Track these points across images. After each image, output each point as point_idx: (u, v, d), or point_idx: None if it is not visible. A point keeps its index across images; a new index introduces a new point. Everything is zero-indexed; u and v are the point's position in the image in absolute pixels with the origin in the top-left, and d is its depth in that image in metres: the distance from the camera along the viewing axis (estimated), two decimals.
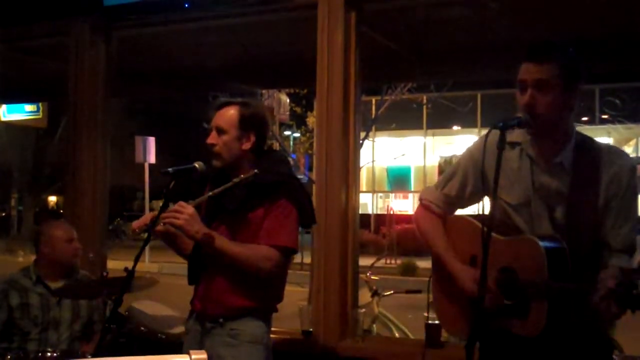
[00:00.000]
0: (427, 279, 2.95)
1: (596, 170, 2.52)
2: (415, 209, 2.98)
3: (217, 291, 3.16)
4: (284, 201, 3.13)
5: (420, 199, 2.92)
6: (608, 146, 2.65)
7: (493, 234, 2.55)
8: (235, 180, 3.02)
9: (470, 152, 2.81)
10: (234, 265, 3.06)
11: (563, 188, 2.55)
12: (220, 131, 3.17)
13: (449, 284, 2.74)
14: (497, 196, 2.37)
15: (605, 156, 2.56)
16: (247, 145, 3.20)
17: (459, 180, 2.81)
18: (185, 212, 2.96)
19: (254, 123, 3.22)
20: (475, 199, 2.84)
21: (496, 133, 2.58)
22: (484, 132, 2.64)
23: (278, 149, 13.06)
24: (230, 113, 3.19)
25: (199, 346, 3.15)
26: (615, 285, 2.22)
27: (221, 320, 3.15)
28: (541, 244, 2.43)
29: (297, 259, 14.06)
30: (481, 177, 2.70)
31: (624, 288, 2.19)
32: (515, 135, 2.62)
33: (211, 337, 3.17)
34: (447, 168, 2.94)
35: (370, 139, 12.68)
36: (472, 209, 3.04)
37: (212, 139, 3.17)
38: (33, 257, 4.16)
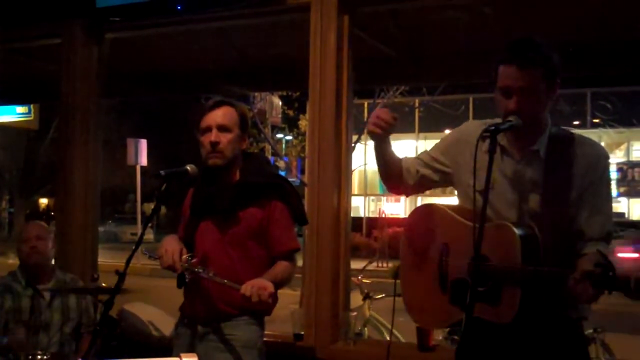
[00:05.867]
0: None
1: (570, 159, 2.54)
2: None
3: (210, 295, 3.13)
4: (278, 203, 3.17)
5: None
6: (581, 136, 2.65)
7: (465, 222, 2.60)
8: (227, 282, 2.97)
9: (450, 137, 2.86)
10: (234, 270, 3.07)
11: (537, 176, 2.56)
12: (225, 129, 3.14)
13: (416, 270, 2.77)
14: (486, 195, 2.36)
15: (579, 146, 2.57)
16: (244, 146, 3.25)
17: (436, 151, 2.85)
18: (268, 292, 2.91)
19: (247, 124, 3.27)
20: (437, 177, 2.84)
21: (473, 123, 2.73)
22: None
23: (270, 151, 13.08)
24: (232, 112, 3.19)
25: (190, 351, 3.11)
26: (592, 266, 2.23)
27: (214, 324, 3.13)
28: (515, 229, 2.44)
29: None
30: (451, 163, 2.77)
31: (601, 269, 2.19)
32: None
33: (204, 342, 3.14)
34: None
35: (363, 142, 12.67)
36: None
37: (216, 137, 3.12)
38: None
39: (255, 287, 2.87)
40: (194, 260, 3.02)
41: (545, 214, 2.52)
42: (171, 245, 3.06)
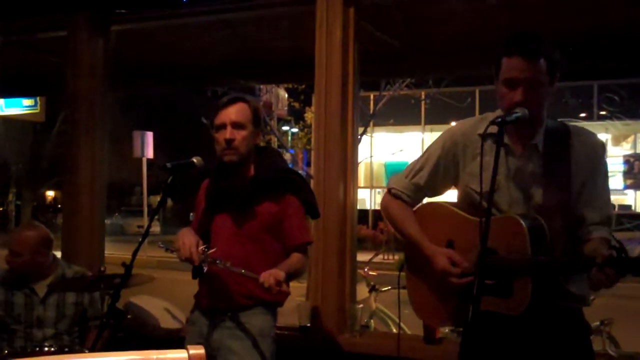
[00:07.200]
0: None
1: (567, 151, 2.58)
2: (382, 197, 2.99)
3: (226, 286, 3.18)
4: (292, 198, 3.23)
5: (389, 188, 2.92)
6: (576, 127, 2.70)
7: (471, 217, 2.63)
8: (244, 272, 3.00)
9: (442, 142, 2.83)
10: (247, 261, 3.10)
11: (537, 169, 2.59)
12: (239, 126, 3.18)
13: (423, 271, 2.76)
14: (492, 191, 2.38)
15: (575, 137, 2.62)
16: (257, 141, 3.30)
17: (429, 171, 2.83)
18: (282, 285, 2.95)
19: (260, 119, 3.33)
20: (445, 189, 2.87)
21: (463, 124, 2.79)
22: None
23: (276, 144, 13.08)
24: (245, 109, 3.22)
25: (205, 338, 3.20)
26: (609, 251, 2.26)
27: (230, 313, 3.19)
28: (522, 221, 2.46)
29: None
30: (454, 170, 2.77)
31: (614, 251, 2.24)
32: (490, 126, 2.63)
33: (219, 330, 3.20)
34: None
35: (369, 134, 12.67)
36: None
37: (231, 134, 3.16)
38: None
39: (272, 277, 2.93)
40: (210, 252, 3.04)
41: (548, 205, 2.54)
42: (188, 237, 3.09)
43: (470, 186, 2.67)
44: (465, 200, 2.74)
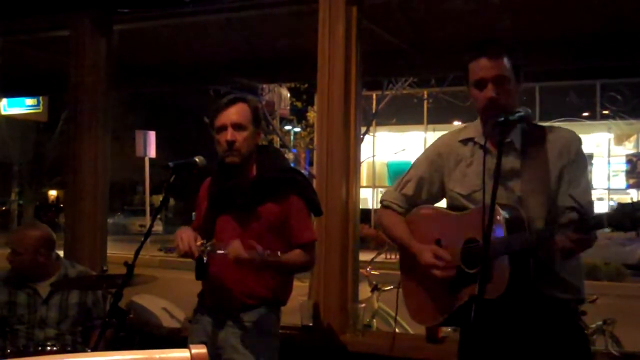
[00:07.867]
0: None
1: (543, 146, 2.67)
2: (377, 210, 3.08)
3: (230, 286, 3.18)
4: (295, 197, 3.22)
5: (381, 201, 3.05)
6: (552, 126, 2.82)
7: (453, 213, 2.76)
8: (246, 256, 2.99)
9: (427, 155, 2.97)
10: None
11: (515, 165, 2.68)
12: (239, 128, 3.16)
13: (413, 272, 2.84)
14: (494, 194, 2.41)
15: (551, 133, 2.72)
16: (258, 140, 3.28)
17: (416, 182, 2.95)
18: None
19: (261, 118, 3.32)
20: (434, 199, 2.96)
21: (446, 136, 2.95)
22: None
23: (279, 143, 13.08)
24: (245, 109, 3.21)
25: (209, 337, 3.21)
26: (572, 214, 2.35)
27: (234, 313, 3.19)
28: (500, 209, 2.52)
29: None
30: (439, 180, 2.89)
31: (580, 214, 2.30)
32: (467, 131, 2.83)
33: (224, 328, 3.21)
34: None
35: (371, 133, 12.63)
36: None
37: (232, 135, 3.14)
38: None
39: (240, 245, 2.94)
40: (209, 243, 3.04)
41: (527, 197, 2.62)
42: (185, 233, 3.09)
43: (455, 190, 2.80)
44: (451, 205, 2.84)
